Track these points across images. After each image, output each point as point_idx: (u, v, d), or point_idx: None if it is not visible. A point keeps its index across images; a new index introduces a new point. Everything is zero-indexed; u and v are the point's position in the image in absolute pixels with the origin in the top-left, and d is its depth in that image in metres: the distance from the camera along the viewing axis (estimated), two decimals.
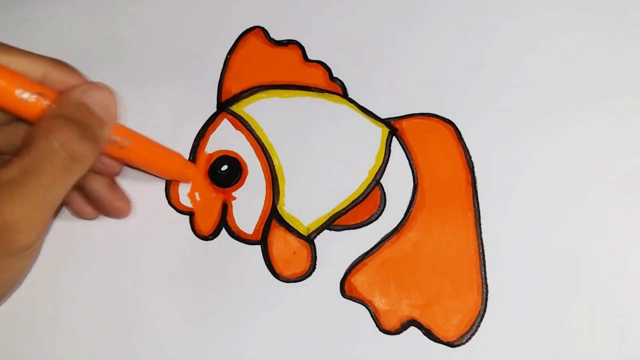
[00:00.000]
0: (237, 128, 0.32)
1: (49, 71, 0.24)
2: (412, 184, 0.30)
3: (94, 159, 0.24)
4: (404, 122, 0.31)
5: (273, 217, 0.30)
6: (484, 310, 0.28)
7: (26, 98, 0.22)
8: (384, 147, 0.31)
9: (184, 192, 0.31)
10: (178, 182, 0.31)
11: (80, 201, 0.29)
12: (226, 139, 0.32)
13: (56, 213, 0.29)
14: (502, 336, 0.28)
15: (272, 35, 0.33)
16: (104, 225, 0.30)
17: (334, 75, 0.32)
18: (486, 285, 0.28)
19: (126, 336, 0.29)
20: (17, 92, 0.22)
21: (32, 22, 0.35)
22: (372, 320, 0.28)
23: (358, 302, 0.29)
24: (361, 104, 0.32)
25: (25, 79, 0.23)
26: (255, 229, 0.30)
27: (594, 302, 0.28)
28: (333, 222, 0.30)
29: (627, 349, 0.27)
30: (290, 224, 0.30)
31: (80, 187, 0.29)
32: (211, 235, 0.30)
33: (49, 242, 0.30)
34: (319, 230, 0.30)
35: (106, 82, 0.32)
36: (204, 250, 0.30)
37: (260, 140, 0.31)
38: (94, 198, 0.29)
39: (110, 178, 0.30)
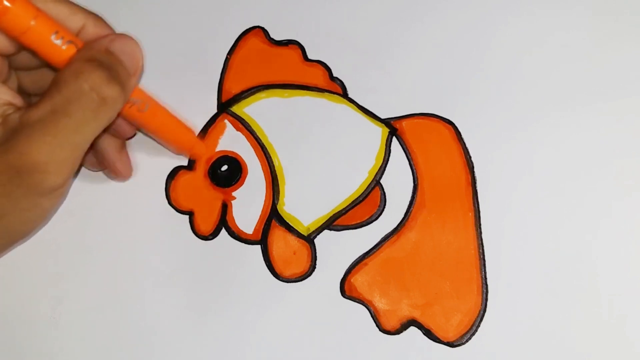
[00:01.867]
0: (237, 129, 0.32)
1: (86, 24, 0.25)
2: (412, 184, 0.30)
3: (122, 105, 0.24)
4: (404, 122, 0.31)
5: (273, 217, 0.30)
6: (484, 310, 0.28)
7: (59, 44, 0.23)
8: (384, 147, 0.31)
9: (183, 192, 0.31)
10: (185, 156, 0.31)
11: (90, 152, 0.30)
12: (226, 139, 0.32)
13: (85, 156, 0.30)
14: (502, 336, 0.28)
15: (272, 35, 0.33)
16: (104, 225, 0.30)
17: (334, 75, 0.32)
18: (486, 285, 0.28)
19: (126, 336, 0.29)
20: (52, 37, 0.23)
21: None
22: (372, 320, 0.28)
23: (358, 302, 0.29)
24: (361, 104, 0.32)
25: (60, 27, 0.23)
26: (255, 229, 0.30)
27: (594, 301, 0.28)
28: (333, 222, 0.30)
29: (628, 349, 0.27)
30: (290, 224, 0.30)
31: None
32: (211, 235, 0.30)
33: (49, 242, 0.30)
34: (319, 230, 0.30)
35: None
36: (204, 250, 0.30)
37: (260, 140, 0.31)
38: (100, 155, 0.29)
39: (121, 141, 0.30)
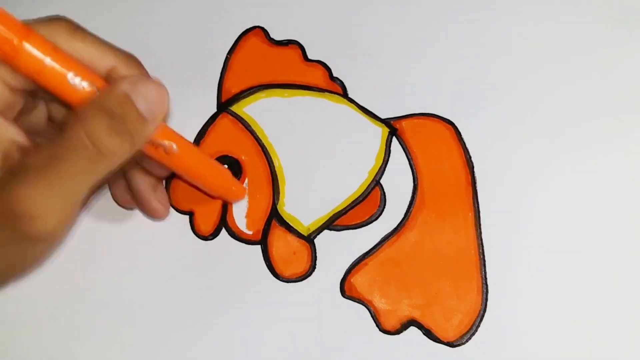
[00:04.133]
0: (237, 128, 0.32)
1: (117, 66, 0.24)
2: (412, 184, 0.30)
3: (126, 156, 0.23)
4: (404, 122, 0.31)
5: (273, 217, 0.30)
6: (484, 310, 0.28)
7: (76, 85, 0.22)
8: (384, 147, 0.31)
9: (183, 192, 0.31)
10: (223, 199, 0.30)
11: (124, 189, 0.29)
12: (226, 139, 0.32)
13: (83, 206, 0.29)
14: (502, 336, 0.28)
15: (272, 35, 0.33)
16: (104, 224, 0.30)
17: (334, 75, 0.32)
18: (486, 285, 0.28)
19: (126, 336, 0.29)
20: (68, 77, 0.22)
21: None
22: (372, 320, 0.28)
23: (358, 302, 0.29)
24: (361, 104, 0.32)
25: (80, 67, 0.22)
26: (255, 229, 0.30)
27: (594, 301, 0.28)
28: (333, 222, 0.30)
29: (628, 349, 0.27)
30: (290, 224, 0.30)
31: (126, 177, 0.29)
32: (211, 235, 0.30)
33: None
34: (319, 230, 0.30)
35: None
36: (204, 250, 0.30)
37: (260, 140, 0.31)
38: (135, 193, 0.29)
39: (156, 179, 0.29)
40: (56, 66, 0.22)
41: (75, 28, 0.23)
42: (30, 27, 0.21)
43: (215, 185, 0.29)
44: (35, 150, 0.22)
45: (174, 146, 0.25)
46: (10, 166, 0.22)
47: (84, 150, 0.22)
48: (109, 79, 0.24)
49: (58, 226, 0.23)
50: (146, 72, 0.25)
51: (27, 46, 0.21)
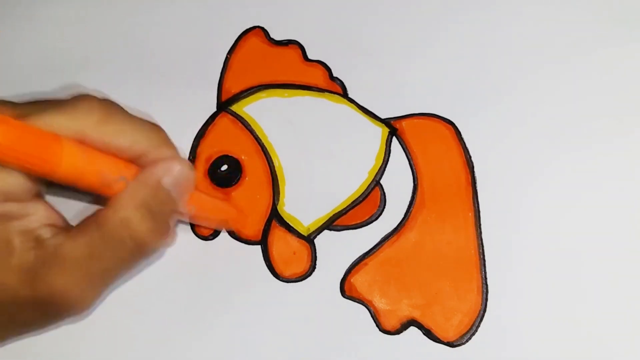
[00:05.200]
0: (237, 128, 0.32)
1: (148, 150, 0.24)
2: (412, 184, 0.30)
3: (162, 243, 0.24)
4: (404, 122, 0.31)
5: (273, 217, 0.30)
6: (484, 310, 0.28)
7: (109, 181, 0.23)
8: (384, 147, 0.31)
9: None
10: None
11: None
12: (226, 139, 0.32)
13: None
14: (502, 336, 0.28)
15: (272, 35, 0.33)
16: None
17: (334, 75, 0.32)
18: (486, 285, 0.28)
19: (126, 336, 0.29)
20: (103, 176, 0.22)
21: (32, 22, 0.34)
22: (372, 320, 0.28)
23: (358, 302, 0.29)
24: (361, 103, 0.32)
25: (112, 163, 0.23)
26: (255, 229, 0.30)
27: (594, 301, 0.28)
28: (333, 222, 0.30)
29: (628, 349, 0.27)
30: (290, 224, 0.30)
31: None
32: (211, 235, 0.30)
33: None
34: (319, 230, 0.30)
35: (106, 81, 0.33)
36: (204, 251, 0.30)
37: (260, 140, 0.31)
38: None
39: None
40: (91, 170, 0.22)
41: (108, 115, 0.23)
42: (63, 140, 0.21)
43: (220, 224, 0.30)
44: (73, 239, 0.22)
45: (193, 208, 0.26)
46: (45, 254, 0.22)
47: (127, 248, 0.23)
48: (139, 161, 0.24)
49: (91, 306, 0.24)
50: (173, 145, 0.25)
51: (64, 162, 0.21)
